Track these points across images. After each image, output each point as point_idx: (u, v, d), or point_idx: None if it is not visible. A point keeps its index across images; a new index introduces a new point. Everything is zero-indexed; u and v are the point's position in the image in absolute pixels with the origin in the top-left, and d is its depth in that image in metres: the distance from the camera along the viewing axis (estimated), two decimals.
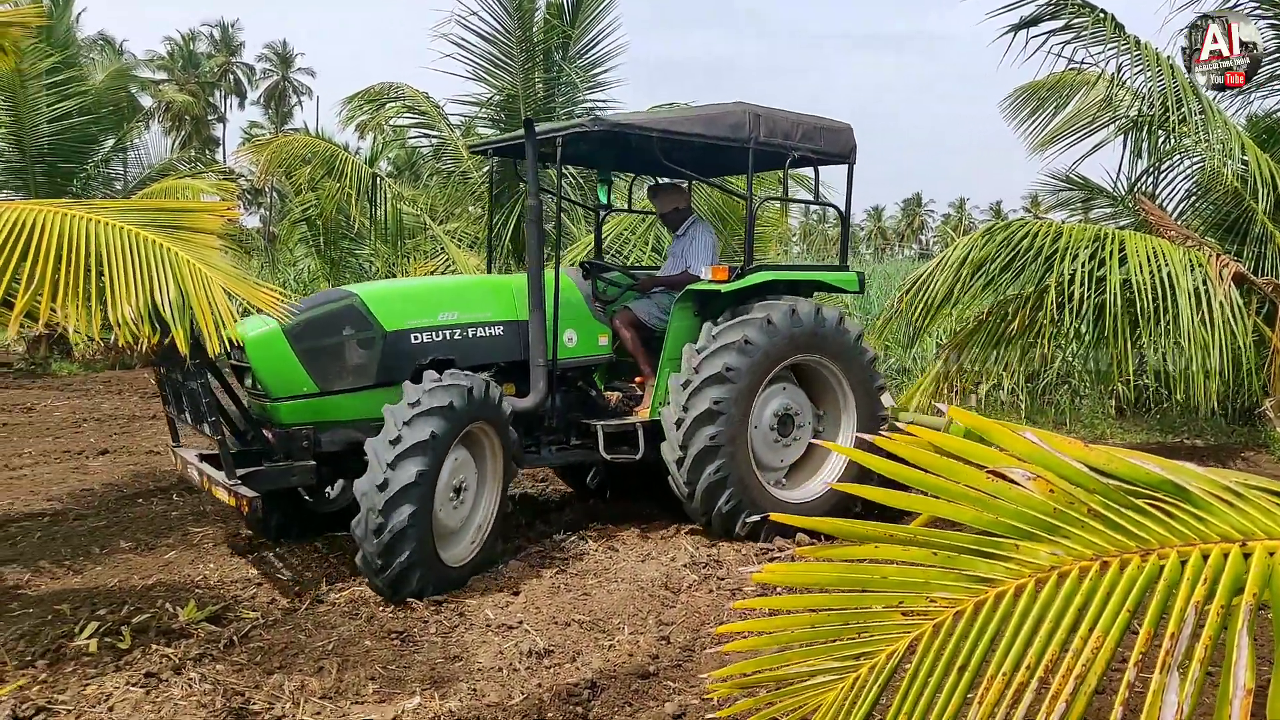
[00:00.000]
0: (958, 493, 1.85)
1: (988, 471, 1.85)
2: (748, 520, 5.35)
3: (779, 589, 2.96)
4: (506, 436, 4.78)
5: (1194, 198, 9.38)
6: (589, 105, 11.79)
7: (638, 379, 5.98)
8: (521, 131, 5.28)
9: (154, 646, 3.72)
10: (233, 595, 4.46)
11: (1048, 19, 8.45)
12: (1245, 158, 8.08)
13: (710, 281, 5.62)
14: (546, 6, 11.44)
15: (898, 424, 6.03)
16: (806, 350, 5.64)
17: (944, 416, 6.41)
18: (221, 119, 64.20)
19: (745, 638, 2.18)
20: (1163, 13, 8.70)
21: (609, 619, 4.17)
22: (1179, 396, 7.81)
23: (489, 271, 7.44)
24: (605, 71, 11.80)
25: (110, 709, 3.23)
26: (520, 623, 4.08)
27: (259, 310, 4.20)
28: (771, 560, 5.17)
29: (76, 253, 3.79)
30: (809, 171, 6.49)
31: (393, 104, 12.66)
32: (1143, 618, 1.62)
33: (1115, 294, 6.89)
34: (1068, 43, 8.59)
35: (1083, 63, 8.94)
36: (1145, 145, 9.16)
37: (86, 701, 3.28)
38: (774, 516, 2.42)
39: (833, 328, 5.69)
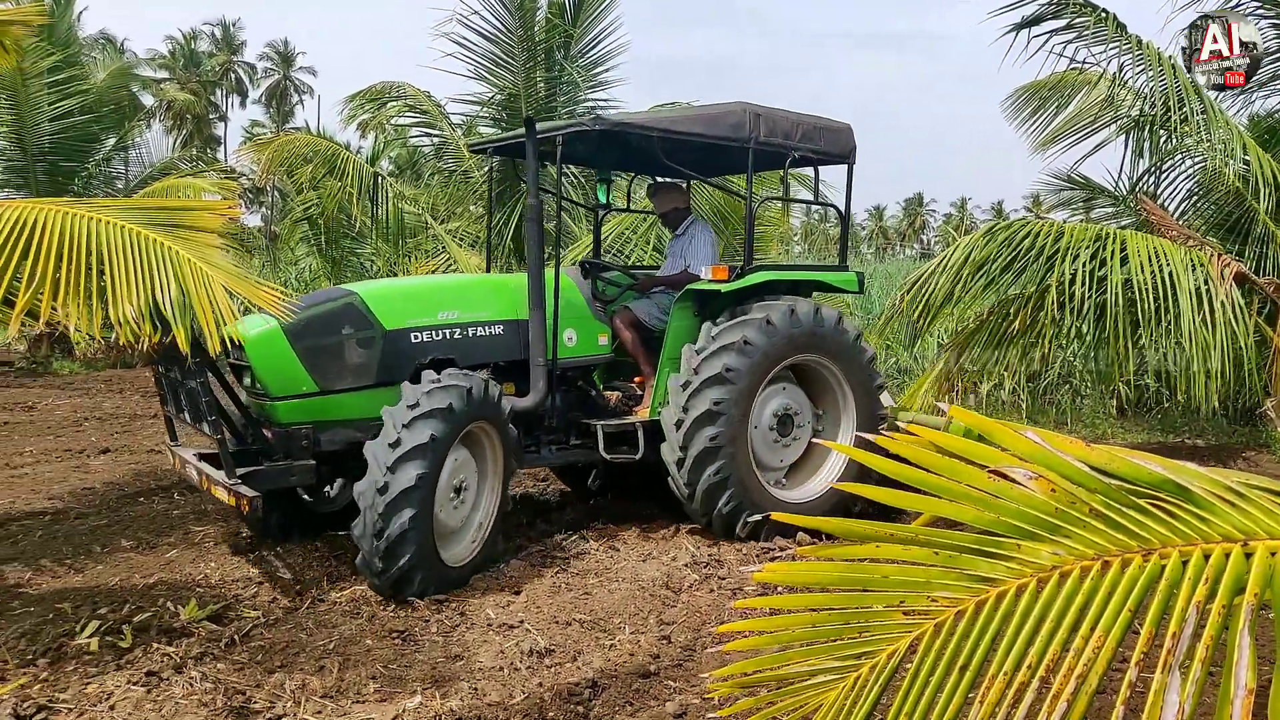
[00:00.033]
0: (959, 492, 1.85)
1: (989, 471, 1.85)
2: (748, 520, 5.35)
3: (780, 588, 2.96)
4: (506, 434, 4.78)
5: (1195, 197, 9.37)
6: (590, 104, 11.79)
7: (637, 379, 5.98)
8: (522, 130, 5.28)
9: (155, 645, 3.73)
10: (234, 594, 4.46)
11: (1049, 19, 8.44)
12: (1247, 158, 8.07)
13: (710, 281, 5.62)
14: (548, 5, 11.44)
15: (898, 423, 6.04)
16: (805, 350, 5.63)
17: (944, 416, 6.41)
18: (223, 118, 64.21)
19: (746, 637, 2.18)
20: (1164, 12, 8.70)
21: (610, 618, 4.17)
22: (1180, 396, 7.82)
23: (488, 271, 7.44)
24: (607, 71, 11.81)
25: (111, 708, 3.24)
26: (521, 622, 4.08)
27: (259, 309, 4.20)
28: (772, 560, 5.17)
29: (78, 251, 3.79)
30: (810, 171, 6.49)
31: (394, 103, 12.66)
32: (1144, 617, 1.62)
33: (1116, 294, 6.89)
34: (1069, 42, 8.58)
35: (1084, 62, 8.94)
36: (1147, 145, 9.16)
37: (88, 700, 3.28)
38: (775, 516, 2.41)
39: (831, 327, 5.69)
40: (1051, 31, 8.50)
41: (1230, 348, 6.71)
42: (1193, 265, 7.00)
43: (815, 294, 6.35)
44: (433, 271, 11.60)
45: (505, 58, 11.46)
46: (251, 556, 5.09)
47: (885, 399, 6.16)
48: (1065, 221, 8.66)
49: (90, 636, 3.79)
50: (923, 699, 1.76)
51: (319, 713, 3.25)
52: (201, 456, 4.80)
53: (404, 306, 5.13)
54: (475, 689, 3.43)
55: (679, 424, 5.29)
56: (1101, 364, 8.69)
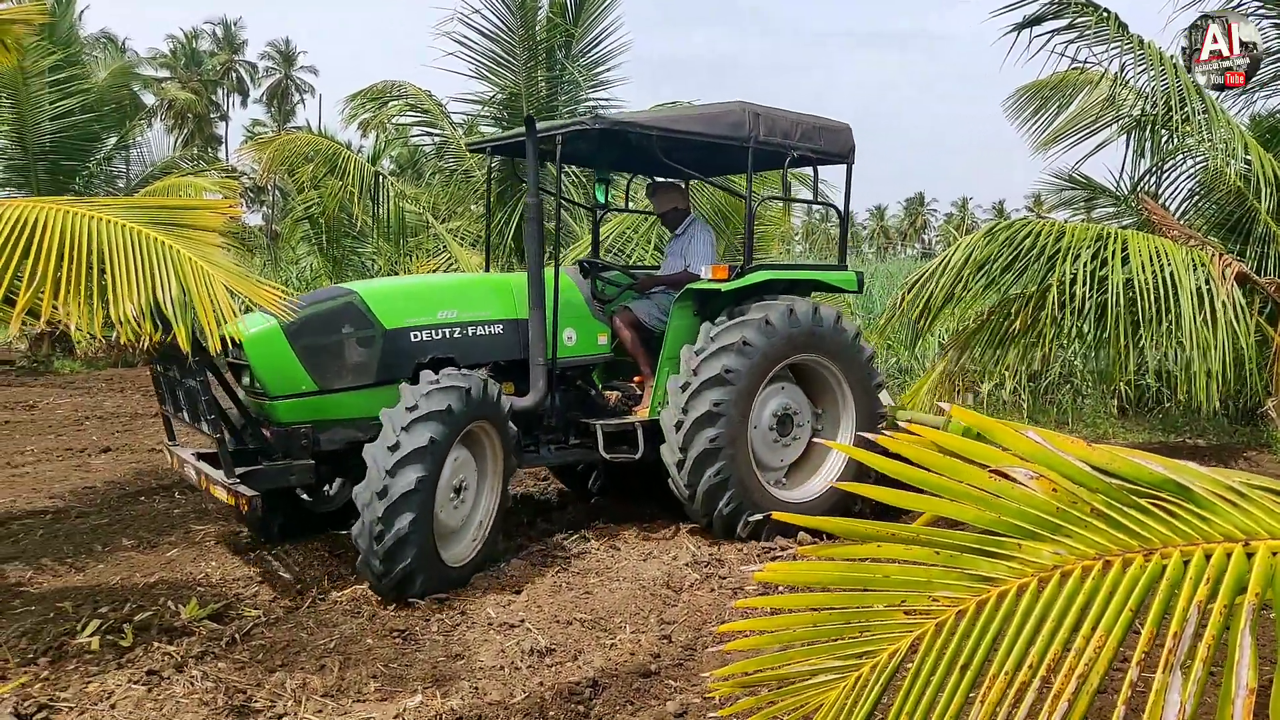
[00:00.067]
0: (960, 492, 1.85)
1: (990, 471, 1.85)
2: (749, 520, 5.35)
3: (781, 588, 2.95)
4: (506, 433, 4.77)
5: (1197, 197, 9.37)
6: (592, 104, 11.78)
7: (637, 378, 5.98)
8: (521, 129, 5.27)
9: (156, 644, 3.73)
10: (235, 593, 4.46)
11: (1050, 18, 8.45)
12: (1248, 157, 8.07)
13: (709, 280, 5.62)
14: (549, 5, 11.43)
15: (898, 422, 6.04)
16: (804, 350, 5.63)
17: (944, 415, 6.40)
18: (224, 117, 64.19)
19: (747, 636, 2.17)
20: (1166, 12, 8.70)
21: (611, 618, 4.17)
22: (1181, 396, 7.81)
23: (487, 270, 7.44)
24: (608, 70, 11.80)
25: (112, 706, 3.24)
26: (522, 621, 4.08)
27: (259, 308, 4.20)
28: (773, 559, 5.16)
29: (79, 250, 3.79)
30: (810, 171, 6.49)
31: (395, 102, 12.65)
32: (1145, 617, 1.62)
33: (1118, 293, 6.88)
34: (1071, 42, 8.58)
35: (1086, 62, 8.94)
36: (1148, 145, 9.15)
37: (88, 699, 3.28)
38: (776, 515, 2.41)
39: (830, 326, 5.69)
40: (1053, 31, 8.52)
41: (1231, 347, 6.70)
42: (1194, 265, 7.00)
43: (816, 293, 6.35)
44: (434, 271, 11.60)
45: (506, 57, 11.46)
46: (252, 556, 5.09)
47: (884, 397, 6.16)
48: (1066, 221, 8.66)
49: (91, 635, 3.79)
50: (924, 699, 1.76)
51: (320, 711, 3.25)
52: (200, 456, 4.80)
53: (403, 305, 5.12)
54: (476, 688, 3.43)
55: (679, 425, 5.29)
56: (1102, 364, 8.68)
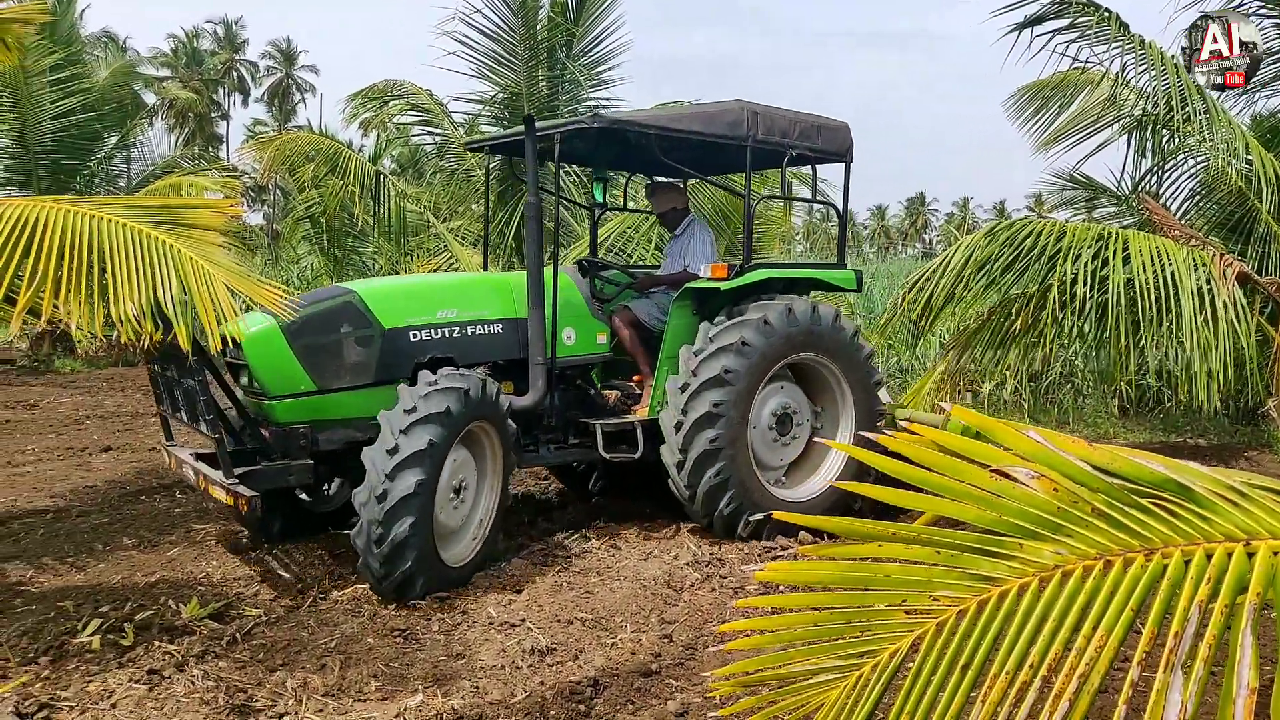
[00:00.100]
0: (961, 491, 1.85)
1: (991, 470, 1.85)
2: (750, 520, 5.35)
3: (781, 587, 2.95)
4: (505, 432, 4.77)
5: (1198, 197, 9.37)
6: (593, 103, 11.78)
7: (636, 378, 5.98)
8: (520, 129, 5.27)
9: (157, 643, 3.73)
10: (235, 592, 4.46)
11: (1051, 18, 8.44)
12: (1249, 157, 8.06)
13: (709, 279, 5.61)
14: (550, 4, 11.43)
15: (898, 421, 6.03)
16: (803, 349, 5.63)
17: (944, 414, 6.40)
18: (225, 116, 64.20)
19: (748, 636, 2.18)
20: (1167, 12, 8.70)
21: (611, 617, 4.17)
22: (1182, 396, 7.80)
23: (486, 269, 7.43)
24: (609, 69, 11.81)
25: (113, 706, 3.24)
26: (523, 621, 4.08)
27: (259, 307, 4.19)
28: (774, 559, 5.16)
29: (79, 249, 3.79)
30: (810, 169, 6.49)
31: (396, 102, 12.65)
32: (1146, 617, 1.62)
33: (1118, 293, 6.88)
34: (1072, 42, 8.57)
35: (1087, 62, 8.94)
36: (1149, 145, 9.15)
37: (89, 698, 3.28)
38: (777, 515, 2.41)
39: (829, 325, 5.69)
40: (1054, 31, 8.50)
41: (1232, 347, 6.70)
42: (1195, 265, 6.99)
43: (815, 292, 6.35)
44: (435, 270, 11.61)
45: (507, 56, 11.46)
46: (253, 555, 5.09)
47: (884, 396, 6.16)
48: (1067, 221, 8.65)
49: (92, 635, 3.79)
50: (925, 698, 1.76)
51: (320, 711, 3.26)
52: (198, 456, 4.79)
53: (403, 305, 5.11)
54: (477, 687, 3.43)
55: (678, 426, 5.29)
56: (1103, 363, 8.68)
